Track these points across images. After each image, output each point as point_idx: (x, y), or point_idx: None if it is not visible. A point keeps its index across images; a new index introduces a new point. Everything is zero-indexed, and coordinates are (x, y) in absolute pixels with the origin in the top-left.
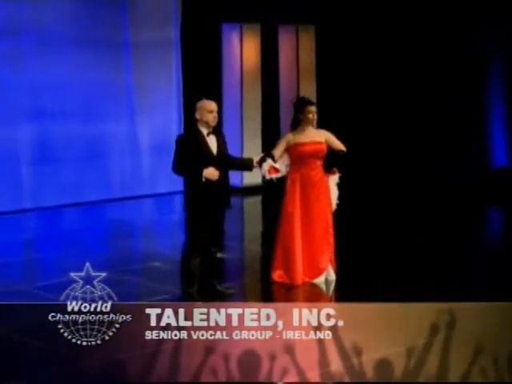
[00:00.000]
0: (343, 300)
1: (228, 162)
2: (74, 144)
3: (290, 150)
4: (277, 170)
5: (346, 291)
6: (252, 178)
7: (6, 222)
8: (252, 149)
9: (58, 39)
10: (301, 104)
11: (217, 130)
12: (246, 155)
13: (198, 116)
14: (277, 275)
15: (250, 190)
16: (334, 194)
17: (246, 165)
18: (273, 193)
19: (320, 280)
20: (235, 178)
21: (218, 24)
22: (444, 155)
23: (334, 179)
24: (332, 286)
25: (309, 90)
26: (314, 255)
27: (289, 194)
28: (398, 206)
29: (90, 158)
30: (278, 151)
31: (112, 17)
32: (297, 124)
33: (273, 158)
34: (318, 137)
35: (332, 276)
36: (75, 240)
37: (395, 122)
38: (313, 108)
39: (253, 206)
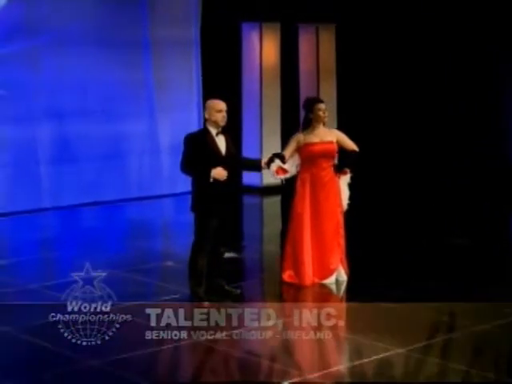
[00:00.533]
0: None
1: (237, 162)
2: (93, 143)
3: (300, 149)
4: (285, 171)
5: (357, 292)
6: (272, 178)
7: (26, 220)
8: (271, 147)
9: (78, 38)
10: (311, 103)
11: (226, 130)
12: (264, 154)
13: (206, 115)
14: (287, 275)
15: (270, 190)
16: (345, 194)
17: (255, 165)
18: (292, 193)
19: (330, 281)
20: (255, 178)
21: (238, 23)
22: (463, 152)
23: (345, 179)
24: (343, 287)
25: (329, 90)
26: (324, 256)
27: (299, 194)
28: (418, 204)
29: (109, 158)
30: (288, 151)
31: (132, 15)
32: (307, 124)
33: (282, 158)
34: (328, 136)
35: (343, 277)
36: (93, 239)
37: (415, 121)
38: (322, 106)
39: (272, 205)
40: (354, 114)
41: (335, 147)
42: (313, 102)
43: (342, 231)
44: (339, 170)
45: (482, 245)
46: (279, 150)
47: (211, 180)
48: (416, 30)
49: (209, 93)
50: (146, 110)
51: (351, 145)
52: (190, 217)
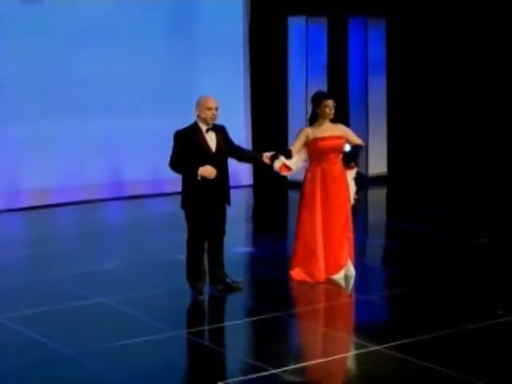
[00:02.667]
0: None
1: (236, 154)
2: (139, 138)
3: (309, 145)
4: (289, 168)
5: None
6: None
7: (74, 212)
8: None
9: (129, 34)
10: (318, 98)
11: (218, 127)
12: None
13: (197, 112)
14: (295, 273)
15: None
16: (352, 188)
17: (255, 159)
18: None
19: (339, 276)
20: (296, 173)
21: (284, 17)
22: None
23: (351, 174)
24: (352, 282)
25: (378, 84)
26: (334, 251)
27: (308, 190)
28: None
29: (156, 154)
30: (296, 146)
31: (182, 11)
32: (314, 119)
33: (287, 154)
34: (336, 131)
35: (352, 271)
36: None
37: (466, 115)
38: (330, 102)
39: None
40: (404, 108)
41: (343, 142)
42: (321, 98)
43: (350, 226)
44: (346, 164)
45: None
46: None
47: (199, 178)
48: (468, 22)
49: (256, 88)
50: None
51: (356, 139)
52: (235, 211)
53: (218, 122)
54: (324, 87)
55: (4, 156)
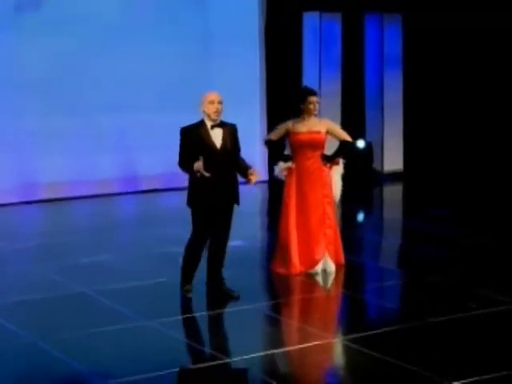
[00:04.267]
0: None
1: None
2: (153, 134)
3: (288, 138)
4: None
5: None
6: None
7: (88, 205)
8: (328, 137)
9: (142, 30)
10: (303, 93)
11: (228, 125)
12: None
13: (202, 108)
14: (275, 265)
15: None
16: (338, 184)
17: (242, 173)
18: (351, 183)
19: (315, 271)
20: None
21: (299, 13)
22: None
23: (337, 170)
24: (331, 278)
25: (394, 80)
26: (309, 246)
27: (286, 184)
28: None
29: (170, 148)
30: (274, 135)
31: (196, 7)
32: (299, 113)
33: (286, 158)
34: (317, 126)
35: (331, 268)
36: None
37: (483, 111)
38: (314, 98)
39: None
40: (420, 105)
41: (323, 137)
42: (305, 94)
43: (330, 222)
44: (331, 160)
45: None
46: (337, 144)
47: (198, 175)
48: (485, 17)
49: (271, 83)
50: None
51: (343, 135)
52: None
53: (233, 116)
54: (338, 83)
55: (22, 150)
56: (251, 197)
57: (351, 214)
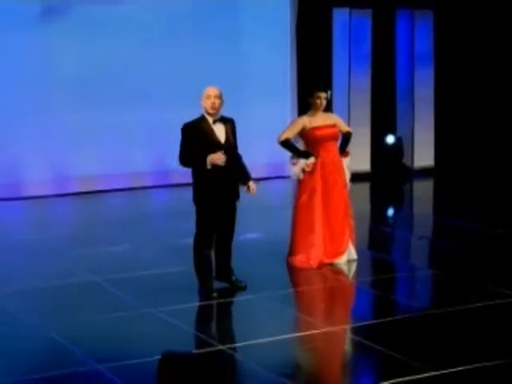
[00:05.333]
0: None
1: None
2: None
3: (306, 133)
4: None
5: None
6: (360, 164)
7: (119, 198)
8: (358, 135)
9: (174, 28)
10: (312, 87)
11: (227, 119)
12: (352, 140)
13: (201, 103)
14: (297, 260)
15: (357, 177)
16: (347, 175)
17: (242, 179)
18: (382, 179)
19: (341, 261)
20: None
21: (329, 9)
22: None
23: (346, 161)
24: (354, 266)
25: (424, 76)
26: (335, 238)
27: (307, 177)
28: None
29: None
30: (292, 133)
31: (227, 3)
32: (309, 107)
33: (307, 155)
34: (329, 120)
35: (354, 256)
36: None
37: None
38: (323, 94)
39: (359, 192)
40: (451, 100)
41: (338, 130)
42: (313, 88)
43: (350, 211)
44: (344, 151)
45: None
46: (368, 139)
47: (209, 167)
48: None
49: (302, 79)
50: (240, 97)
51: (346, 127)
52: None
53: (264, 112)
54: (368, 78)
55: (56, 144)
56: (279, 191)
57: (380, 209)
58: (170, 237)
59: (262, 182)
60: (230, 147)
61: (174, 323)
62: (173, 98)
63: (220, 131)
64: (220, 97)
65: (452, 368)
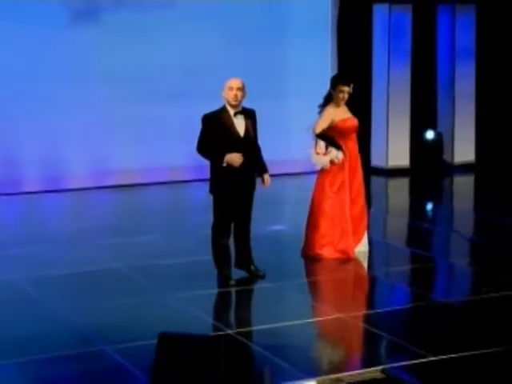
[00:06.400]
0: None
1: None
2: None
3: (333, 125)
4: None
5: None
6: (399, 159)
7: (157, 191)
8: (397, 130)
9: (212, 21)
10: (336, 81)
11: (248, 111)
12: (391, 136)
13: (223, 94)
14: (326, 252)
15: (396, 172)
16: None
17: (258, 170)
18: (421, 174)
19: (360, 249)
20: (379, 159)
21: (369, 5)
22: None
23: None
24: (366, 257)
25: (465, 71)
26: (357, 227)
27: (335, 169)
28: None
29: None
30: (325, 124)
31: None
32: (329, 99)
33: (339, 147)
34: (348, 112)
35: (367, 247)
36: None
37: None
38: (345, 88)
39: (398, 188)
40: (493, 95)
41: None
42: (337, 81)
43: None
44: None
45: None
46: (407, 134)
47: (224, 164)
48: None
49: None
50: (281, 93)
51: None
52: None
53: (305, 107)
54: (407, 73)
55: (96, 138)
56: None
57: (419, 205)
58: (202, 228)
59: (301, 177)
60: (249, 140)
61: (187, 308)
62: (214, 93)
63: (240, 124)
64: (243, 89)
65: (454, 353)
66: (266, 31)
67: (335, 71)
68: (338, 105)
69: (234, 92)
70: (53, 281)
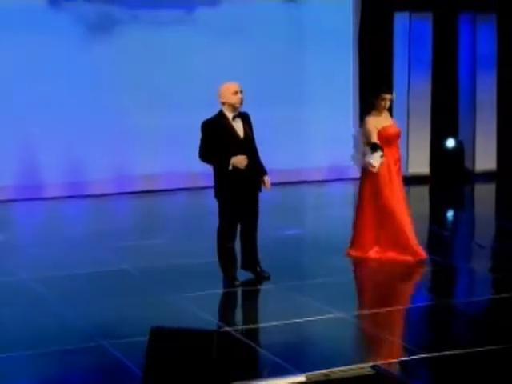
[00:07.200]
0: None
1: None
2: None
3: (378, 133)
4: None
5: None
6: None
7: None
8: (418, 139)
9: (235, 30)
10: (378, 88)
11: (243, 114)
12: (411, 143)
13: (222, 99)
14: (397, 255)
15: (416, 180)
16: None
17: (260, 172)
18: (442, 183)
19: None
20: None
21: (390, 13)
22: None
23: None
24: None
25: (487, 80)
26: None
27: (385, 176)
28: None
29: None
30: (375, 136)
31: (290, 7)
32: (371, 107)
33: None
34: (390, 119)
35: None
36: None
37: None
38: (388, 96)
39: (419, 195)
40: None
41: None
42: (380, 90)
43: None
44: None
45: None
46: (428, 143)
47: (230, 168)
48: None
49: (363, 83)
50: (303, 102)
51: None
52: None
53: (326, 115)
54: (428, 82)
55: (119, 144)
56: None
57: (439, 212)
58: (214, 232)
59: (323, 185)
60: (249, 141)
61: (188, 307)
62: None
63: (239, 127)
64: (242, 90)
65: (439, 352)
66: (287, 39)
67: (356, 80)
68: (379, 113)
69: (240, 95)
70: (61, 280)
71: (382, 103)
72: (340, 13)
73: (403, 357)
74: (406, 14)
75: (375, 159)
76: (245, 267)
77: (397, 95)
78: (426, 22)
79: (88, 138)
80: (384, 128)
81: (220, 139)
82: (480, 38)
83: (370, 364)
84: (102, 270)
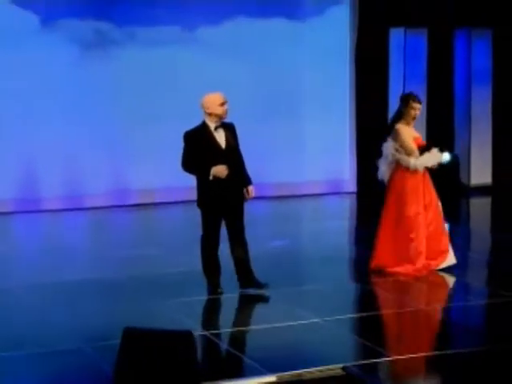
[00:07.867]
0: None
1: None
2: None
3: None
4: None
5: None
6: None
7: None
8: None
9: (234, 46)
10: (408, 97)
11: (227, 125)
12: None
13: (208, 110)
14: (424, 266)
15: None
16: None
17: (244, 181)
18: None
19: (447, 263)
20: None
21: (386, 29)
22: None
23: None
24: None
25: (482, 94)
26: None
27: (414, 188)
28: None
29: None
30: (411, 141)
31: (288, 22)
32: (400, 117)
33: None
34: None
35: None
36: None
37: None
38: (417, 105)
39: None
40: (510, 119)
41: None
42: (409, 98)
43: None
44: None
45: None
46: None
47: (211, 178)
48: None
49: (359, 98)
50: (299, 116)
51: None
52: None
53: (323, 129)
54: (423, 96)
55: (116, 158)
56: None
57: None
58: None
59: (319, 198)
60: (231, 151)
61: (169, 312)
62: (231, 115)
63: (221, 137)
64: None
65: (415, 354)
66: (284, 54)
67: (353, 95)
68: (408, 122)
69: (226, 106)
70: (47, 287)
71: (412, 112)
72: (337, 29)
73: (373, 358)
74: (401, 30)
75: (435, 156)
76: (243, 286)
77: (393, 109)
78: (421, 38)
79: (86, 153)
80: (415, 139)
81: (201, 149)
82: (475, 53)
83: (341, 365)
84: (91, 277)
